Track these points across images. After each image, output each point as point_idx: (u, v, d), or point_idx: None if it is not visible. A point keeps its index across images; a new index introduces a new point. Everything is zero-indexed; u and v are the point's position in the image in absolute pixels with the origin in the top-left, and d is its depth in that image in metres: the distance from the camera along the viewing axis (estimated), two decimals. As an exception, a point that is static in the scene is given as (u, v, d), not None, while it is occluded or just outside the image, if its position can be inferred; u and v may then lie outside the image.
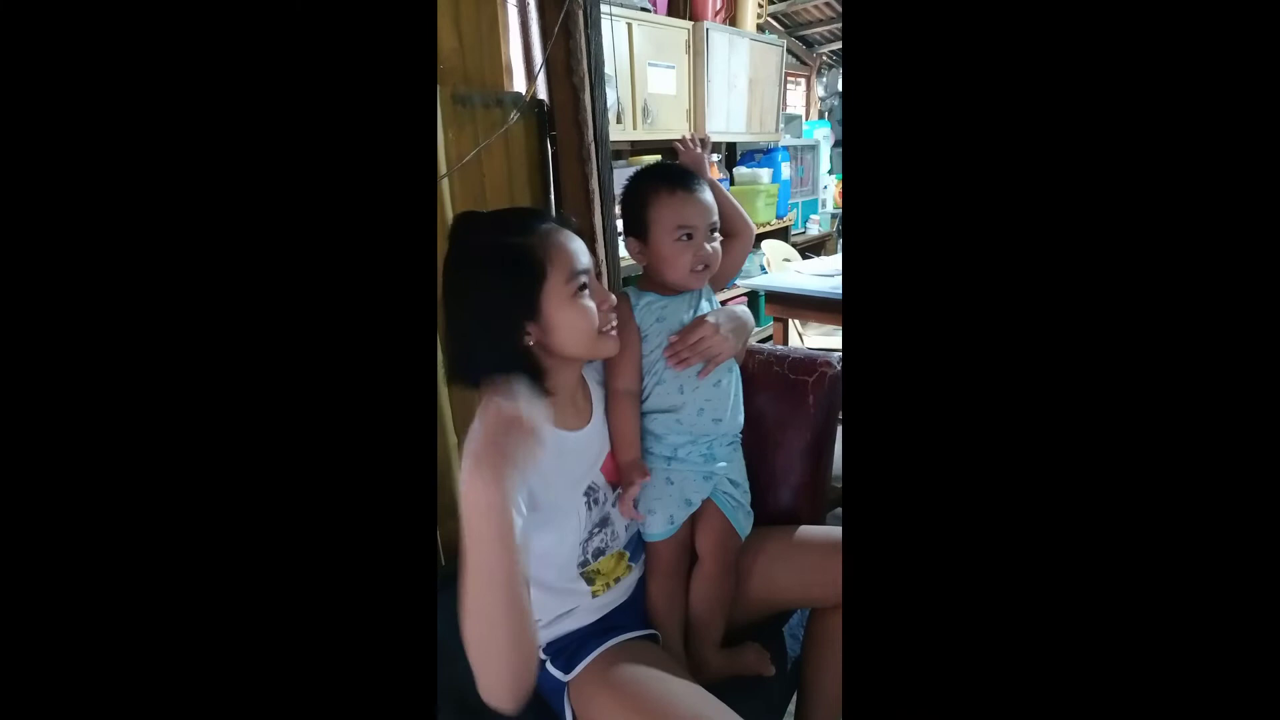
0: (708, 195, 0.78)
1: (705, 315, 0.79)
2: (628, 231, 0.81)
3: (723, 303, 0.87)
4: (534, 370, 0.67)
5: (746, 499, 0.84)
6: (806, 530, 0.85)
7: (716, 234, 0.79)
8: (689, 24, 2.26)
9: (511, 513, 0.53)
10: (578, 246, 0.67)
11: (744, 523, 0.82)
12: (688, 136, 0.90)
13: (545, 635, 0.73)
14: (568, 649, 0.72)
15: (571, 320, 0.66)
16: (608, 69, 1.93)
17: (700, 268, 0.78)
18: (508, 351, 0.65)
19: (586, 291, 0.67)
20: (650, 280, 0.82)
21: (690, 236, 0.77)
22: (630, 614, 0.78)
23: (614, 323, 0.70)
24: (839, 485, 1.37)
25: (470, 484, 0.51)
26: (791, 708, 0.87)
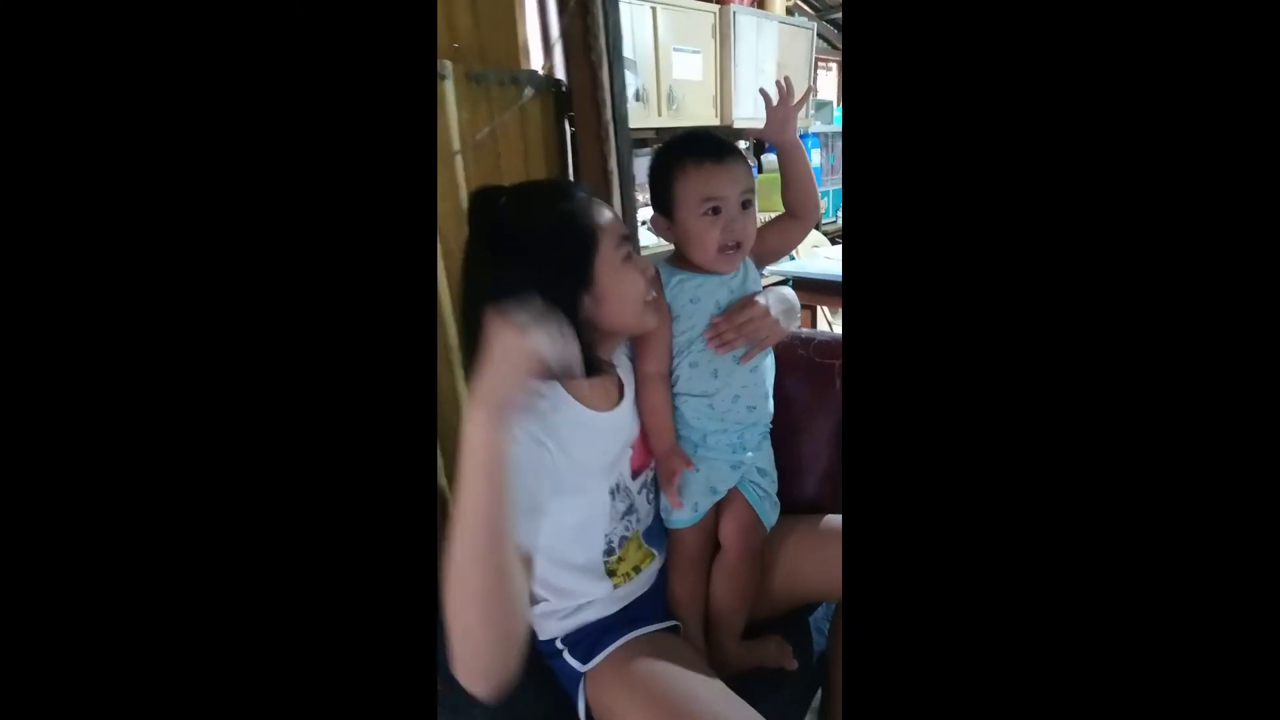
0: (740, 164, 0.72)
1: (754, 295, 0.73)
2: (654, 207, 0.76)
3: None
4: (584, 347, 0.64)
5: (774, 488, 0.80)
6: (833, 519, 0.82)
7: (752, 207, 0.72)
8: (715, 8, 2.22)
9: (505, 453, 0.48)
10: (617, 214, 0.67)
11: (770, 513, 0.78)
12: (780, 79, 0.76)
13: (563, 627, 0.71)
14: (586, 639, 0.70)
15: (623, 288, 0.64)
16: (631, 53, 1.90)
17: (731, 245, 0.71)
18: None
19: (634, 258, 0.66)
20: (682, 258, 0.77)
21: (718, 210, 0.70)
22: (652, 605, 0.75)
23: (655, 293, 0.68)
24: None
25: (469, 420, 0.47)
26: (816, 702, 0.83)
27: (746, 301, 0.73)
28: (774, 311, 0.73)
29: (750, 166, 0.74)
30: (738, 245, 0.72)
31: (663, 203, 0.74)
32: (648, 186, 0.78)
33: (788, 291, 0.78)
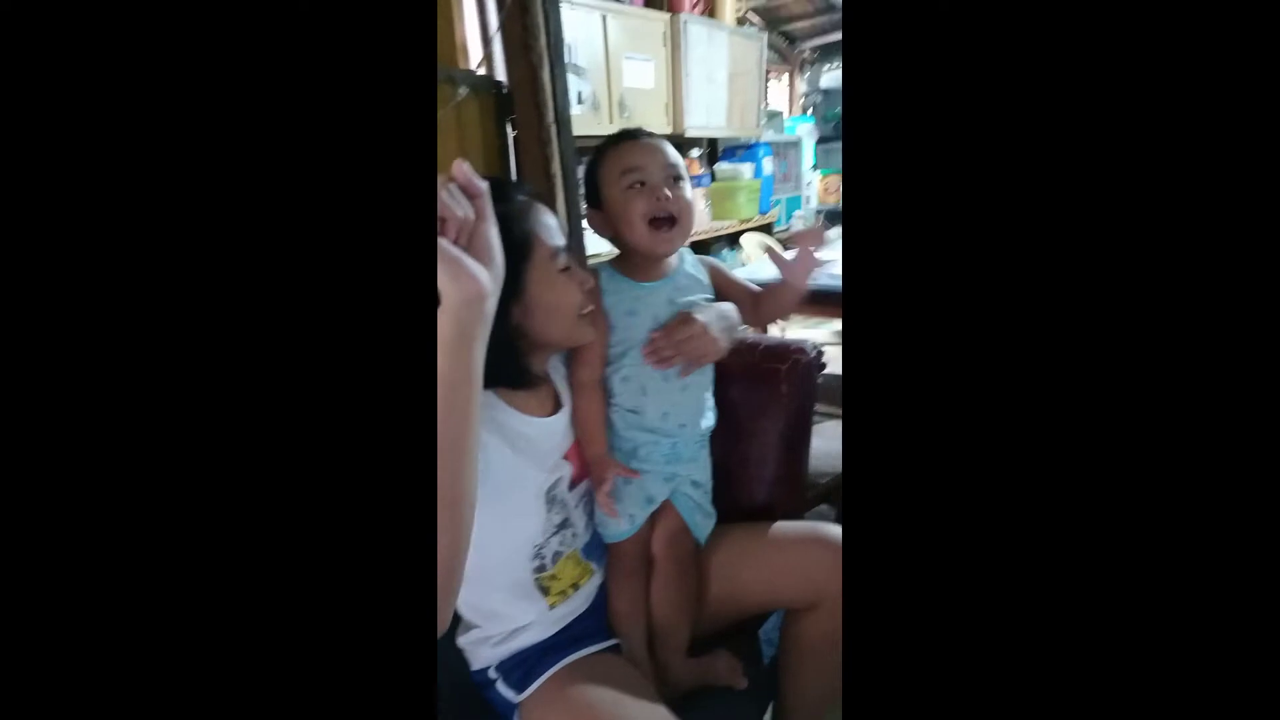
0: (661, 146, 0.71)
1: (693, 311, 0.71)
2: (588, 204, 0.75)
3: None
4: (515, 357, 0.62)
5: (707, 500, 0.79)
6: (781, 526, 0.80)
7: (683, 183, 0.71)
8: (666, 16, 2.22)
9: (477, 383, 0.46)
10: (556, 221, 0.63)
11: (702, 524, 0.77)
12: (816, 224, 0.80)
13: (496, 654, 0.67)
14: (521, 666, 0.66)
15: (555, 300, 0.62)
16: (578, 59, 1.88)
17: (662, 218, 0.69)
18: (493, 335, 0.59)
19: (571, 269, 0.63)
20: (623, 259, 0.75)
21: (642, 183, 0.69)
22: (591, 623, 0.72)
23: (591, 306, 0.66)
24: (822, 480, 1.31)
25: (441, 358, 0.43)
26: (768, 717, 0.81)
27: (685, 318, 0.71)
28: (713, 329, 0.71)
29: (674, 151, 0.73)
30: (671, 220, 0.69)
31: (593, 194, 0.73)
32: (583, 190, 0.77)
33: (728, 307, 0.77)
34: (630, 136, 0.71)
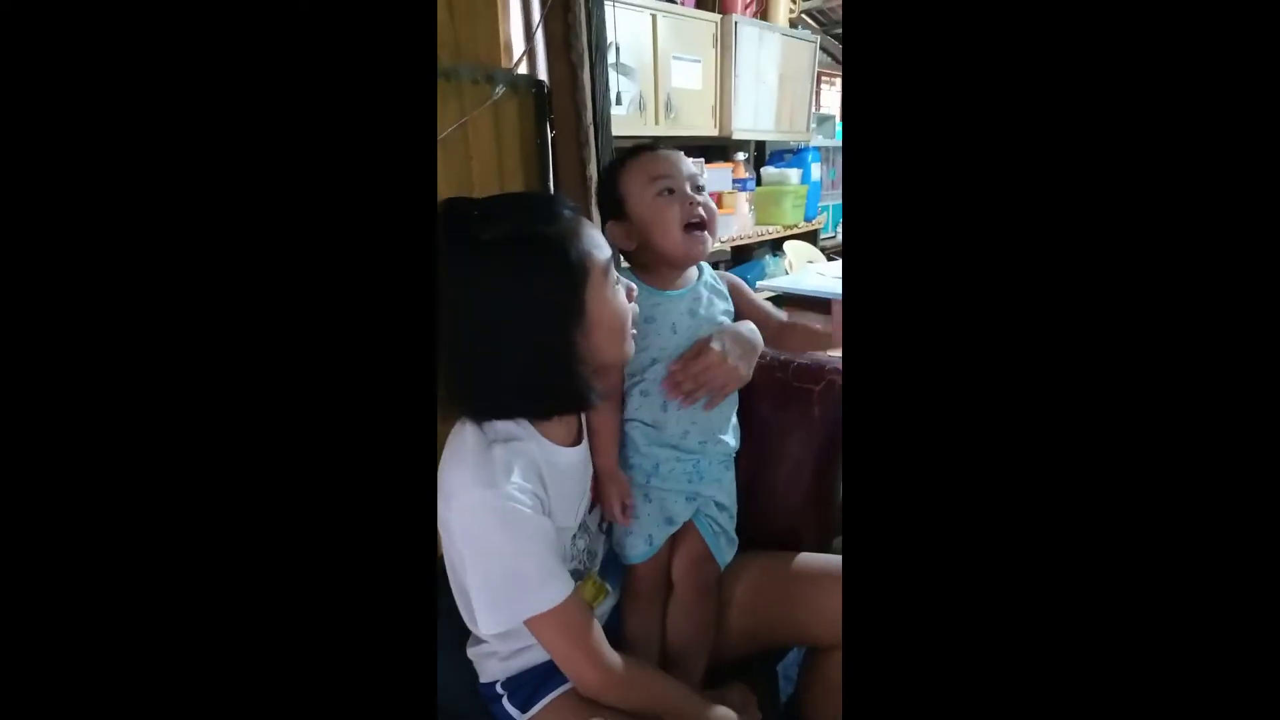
0: (682, 158, 0.72)
1: (710, 339, 0.69)
2: (606, 218, 0.74)
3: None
4: (572, 383, 0.58)
5: (731, 525, 0.75)
6: (807, 558, 0.76)
7: (704, 191, 0.72)
8: (716, 17, 2.18)
9: None
10: (600, 232, 0.61)
11: (725, 550, 0.73)
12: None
13: (504, 669, 0.65)
14: (527, 685, 0.64)
15: (612, 318, 0.59)
16: (623, 58, 1.86)
17: (695, 223, 0.70)
18: (560, 365, 0.57)
19: (619, 279, 0.61)
20: (644, 268, 0.74)
21: (671, 190, 0.70)
22: None
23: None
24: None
25: None
26: (783, 757, 0.77)
27: (701, 348, 0.69)
28: (731, 358, 0.69)
29: (694, 164, 0.76)
30: (702, 224, 0.71)
31: (615, 205, 0.73)
32: (597, 207, 0.76)
33: (747, 328, 0.74)
34: (648, 148, 0.73)
